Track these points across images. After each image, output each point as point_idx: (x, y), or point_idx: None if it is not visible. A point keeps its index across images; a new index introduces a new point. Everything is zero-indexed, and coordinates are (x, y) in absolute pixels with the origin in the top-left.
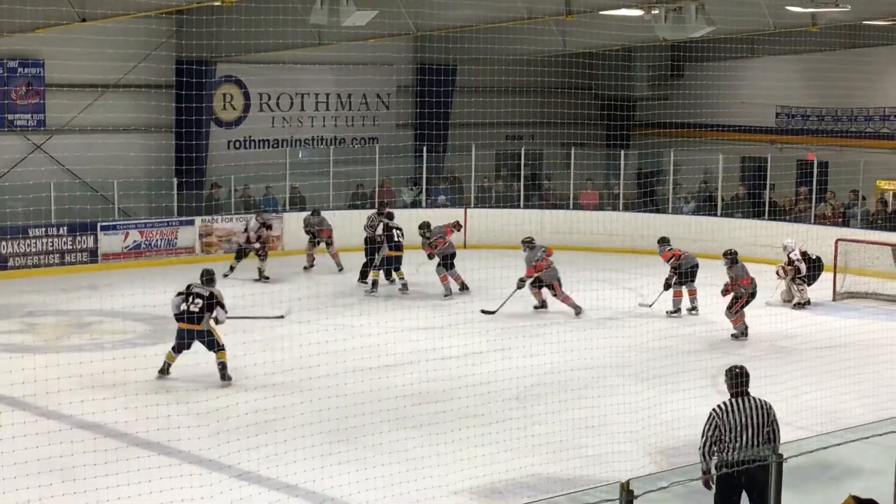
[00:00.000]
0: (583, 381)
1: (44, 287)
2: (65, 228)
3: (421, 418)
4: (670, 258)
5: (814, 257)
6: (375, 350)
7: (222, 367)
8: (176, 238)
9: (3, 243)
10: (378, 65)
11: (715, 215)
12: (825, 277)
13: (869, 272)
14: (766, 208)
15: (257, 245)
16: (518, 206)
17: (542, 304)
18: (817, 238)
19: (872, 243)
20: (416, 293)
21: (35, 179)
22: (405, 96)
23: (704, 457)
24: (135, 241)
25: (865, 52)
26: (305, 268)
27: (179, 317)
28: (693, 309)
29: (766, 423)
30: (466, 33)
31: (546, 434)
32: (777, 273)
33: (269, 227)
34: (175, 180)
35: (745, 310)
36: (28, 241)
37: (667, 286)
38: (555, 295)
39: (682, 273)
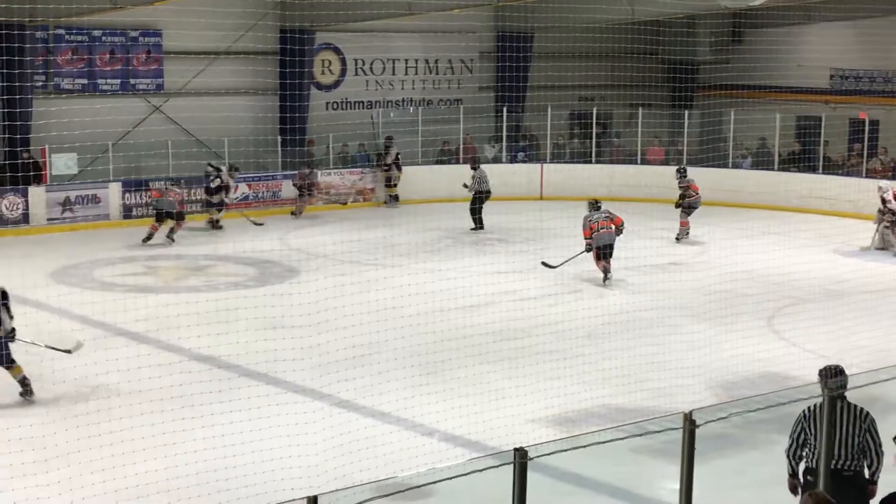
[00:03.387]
0: (649, 320)
1: (164, 234)
2: (181, 181)
3: (501, 353)
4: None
5: None
6: (459, 292)
7: (24, 382)
8: (280, 190)
9: (127, 195)
10: (462, 32)
11: (772, 170)
12: (872, 228)
13: None
14: (821, 163)
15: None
16: (590, 162)
17: (606, 275)
18: (868, 191)
19: None
20: (496, 240)
21: (155, 138)
22: (487, 61)
23: (790, 459)
24: (243, 193)
25: None
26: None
27: None
28: (677, 238)
29: (858, 433)
30: (543, 3)
31: (615, 368)
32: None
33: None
34: (279, 138)
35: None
36: (149, 193)
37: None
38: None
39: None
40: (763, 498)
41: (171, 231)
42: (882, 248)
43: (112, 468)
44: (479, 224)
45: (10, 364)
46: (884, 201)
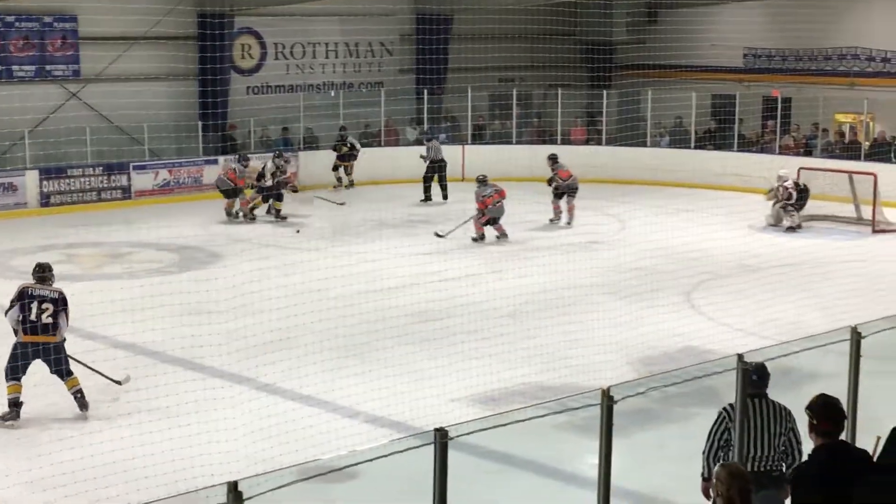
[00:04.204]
0: (569, 298)
1: (82, 222)
2: (100, 168)
3: (423, 334)
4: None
5: (802, 186)
6: (381, 273)
7: (79, 395)
8: (202, 176)
9: (45, 182)
10: (382, 15)
11: (689, 148)
12: (768, 205)
13: (828, 197)
14: (735, 141)
15: (270, 182)
16: (510, 142)
17: (481, 237)
18: (782, 167)
19: (831, 171)
20: (418, 221)
21: (72, 125)
22: (407, 44)
23: (708, 462)
24: (164, 180)
25: None
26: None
27: (29, 327)
28: (568, 223)
29: (782, 432)
30: None
31: (536, 347)
32: (769, 195)
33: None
34: (199, 123)
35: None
36: (67, 181)
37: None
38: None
39: (562, 190)
40: (682, 470)
41: (231, 208)
42: (774, 225)
43: (36, 457)
44: (427, 195)
45: (67, 375)
46: (785, 188)
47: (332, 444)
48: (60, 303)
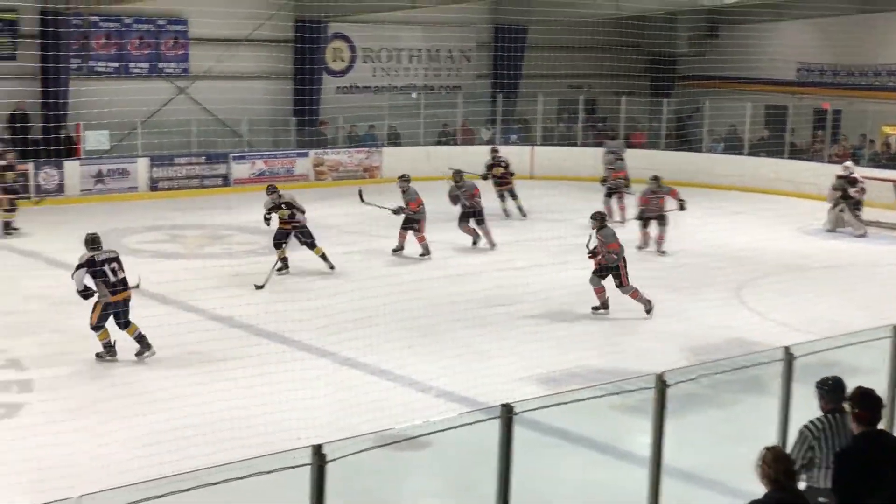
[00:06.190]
0: None
1: (186, 206)
2: (203, 158)
3: (490, 318)
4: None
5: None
6: (453, 261)
7: (140, 338)
8: (294, 167)
9: (154, 169)
10: (462, 25)
11: (742, 154)
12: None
13: (874, 204)
14: (787, 149)
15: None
16: (576, 145)
17: (401, 248)
18: (830, 174)
19: (877, 179)
20: (490, 215)
21: (180, 117)
22: (484, 51)
23: None
24: (260, 169)
25: (875, 16)
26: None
27: (113, 290)
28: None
29: None
30: None
31: (594, 333)
32: (834, 193)
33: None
34: (293, 119)
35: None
36: (174, 168)
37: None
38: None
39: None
40: (727, 452)
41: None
42: (831, 230)
43: (134, 416)
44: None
45: (126, 324)
46: (853, 182)
47: (406, 415)
48: (119, 260)
